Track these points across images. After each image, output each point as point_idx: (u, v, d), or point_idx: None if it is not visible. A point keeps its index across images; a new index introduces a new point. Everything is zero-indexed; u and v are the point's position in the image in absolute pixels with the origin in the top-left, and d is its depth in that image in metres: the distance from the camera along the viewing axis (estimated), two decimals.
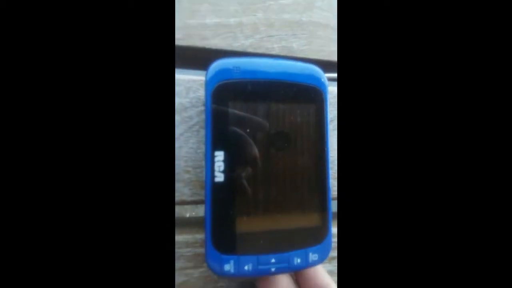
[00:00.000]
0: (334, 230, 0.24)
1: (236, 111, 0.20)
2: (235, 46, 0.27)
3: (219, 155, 0.19)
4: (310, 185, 0.21)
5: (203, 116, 0.23)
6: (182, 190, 0.23)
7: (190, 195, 0.23)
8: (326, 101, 0.22)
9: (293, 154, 0.21)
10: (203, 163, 0.24)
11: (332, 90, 0.29)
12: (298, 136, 0.21)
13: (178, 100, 0.24)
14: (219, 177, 0.19)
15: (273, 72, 0.21)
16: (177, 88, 0.24)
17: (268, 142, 0.20)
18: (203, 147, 0.24)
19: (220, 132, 0.19)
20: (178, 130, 0.24)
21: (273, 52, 0.28)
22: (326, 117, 0.22)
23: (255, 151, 0.20)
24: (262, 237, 0.20)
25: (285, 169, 0.21)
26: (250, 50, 0.27)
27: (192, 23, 0.26)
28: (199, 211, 0.26)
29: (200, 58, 0.26)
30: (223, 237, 0.19)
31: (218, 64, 0.20)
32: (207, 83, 0.20)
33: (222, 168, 0.19)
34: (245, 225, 0.19)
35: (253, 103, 0.20)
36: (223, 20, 0.27)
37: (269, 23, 0.28)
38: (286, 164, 0.21)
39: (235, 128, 0.20)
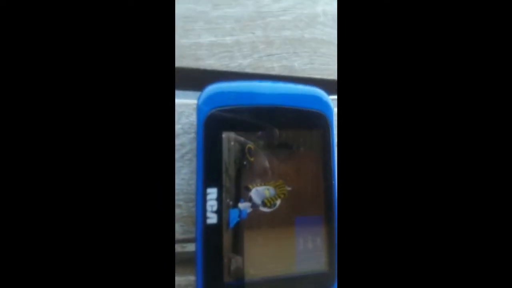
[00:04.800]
0: None
1: (232, 143, 0.18)
2: (232, 66, 0.25)
3: (212, 193, 0.17)
4: (315, 226, 0.19)
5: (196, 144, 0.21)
6: None
7: (182, 232, 0.21)
8: (332, 126, 0.20)
9: (296, 193, 0.19)
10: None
11: None
12: (301, 169, 0.19)
13: None
14: (212, 218, 0.17)
15: (272, 97, 0.19)
16: None
17: (268, 176, 0.18)
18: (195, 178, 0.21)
19: (214, 166, 0.17)
20: None
21: (273, 72, 0.26)
22: (333, 145, 0.20)
23: (254, 188, 0.18)
24: (258, 285, 0.17)
25: (288, 208, 0.18)
26: (248, 70, 0.25)
27: (186, 43, 0.24)
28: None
29: (194, 80, 0.24)
30: (216, 286, 0.17)
31: (211, 89, 0.18)
32: (199, 111, 0.18)
33: (215, 208, 0.17)
34: (239, 273, 0.17)
35: (251, 133, 0.18)
36: (219, 39, 0.25)
37: (268, 41, 0.26)
38: (289, 203, 0.18)
39: (230, 162, 0.17)
